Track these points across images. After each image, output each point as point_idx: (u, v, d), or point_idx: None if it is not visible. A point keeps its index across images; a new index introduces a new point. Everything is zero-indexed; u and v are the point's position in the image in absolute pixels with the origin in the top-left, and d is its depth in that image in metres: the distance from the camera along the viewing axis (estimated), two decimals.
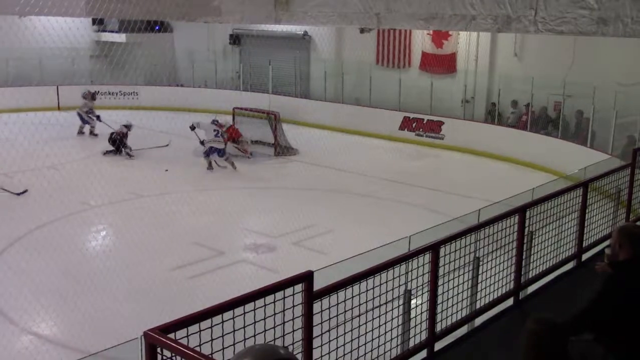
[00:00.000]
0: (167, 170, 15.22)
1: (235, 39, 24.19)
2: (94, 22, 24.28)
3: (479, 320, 6.02)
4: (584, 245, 7.37)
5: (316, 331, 4.39)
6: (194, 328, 3.62)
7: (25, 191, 13.14)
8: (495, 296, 6.19)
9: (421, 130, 19.33)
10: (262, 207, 13.19)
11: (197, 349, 3.52)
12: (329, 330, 4.55)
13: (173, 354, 3.26)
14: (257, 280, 7.09)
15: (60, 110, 22.54)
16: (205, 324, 3.70)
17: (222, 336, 3.82)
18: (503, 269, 6.32)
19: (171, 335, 3.45)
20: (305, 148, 17.31)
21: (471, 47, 19.13)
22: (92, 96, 19.70)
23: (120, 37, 24.09)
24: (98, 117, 18.97)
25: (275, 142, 17.50)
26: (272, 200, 13.46)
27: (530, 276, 6.62)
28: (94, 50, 24.69)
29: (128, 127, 17.04)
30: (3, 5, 14.48)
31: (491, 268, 6.16)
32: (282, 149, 17.37)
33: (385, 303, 5.08)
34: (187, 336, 3.58)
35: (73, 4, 14.22)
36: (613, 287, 4.10)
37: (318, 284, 4.34)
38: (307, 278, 4.24)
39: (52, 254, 10.10)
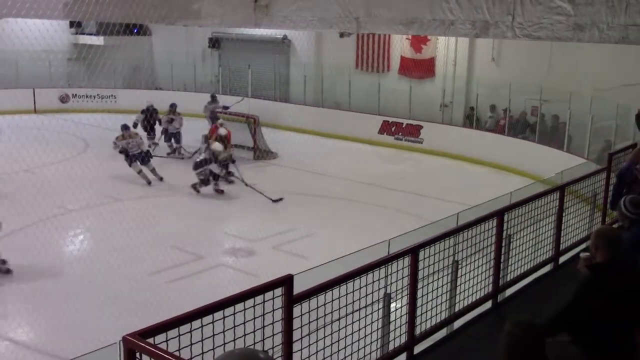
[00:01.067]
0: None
1: (215, 43, 24.13)
2: (71, 24, 24.05)
3: (458, 323, 6.05)
4: (561, 248, 7.45)
5: (296, 335, 4.38)
6: (173, 332, 3.60)
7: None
8: (474, 299, 6.24)
9: (400, 134, 19.42)
10: (242, 211, 13.17)
11: (177, 353, 3.51)
12: (308, 334, 4.55)
13: (152, 359, 3.25)
14: (236, 284, 7.08)
15: (37, 114, 22.35)
16: (185, 328, 3.68)
17: (202, 340, 3.80)
18: (482, 272, 6.37)
19: (150, 340, 3.43)
20: (284, 152, 17.31)
21: (450, 52, 19.28)
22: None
23: (99, 40, 23.88)
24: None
25: (254, 145, 17.47)
26: (251, 204, 13.43)
27: (508, 279, 6.67)
28: (71, 53, 24.44)
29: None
30: None
31: (470, 271, 6.21)
32: (261, 153, 17.36)
33: (365, 306, 5.09)
34: (167, 341, 3.56)
35: (51, 7, 14.08)
36: (590, 289, 4.15)
37: (298, 288, 4.34)
38: (286, 282, 4.23)
39: (29, 259, 9.98)
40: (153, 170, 14.79)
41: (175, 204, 13.46)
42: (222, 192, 14.14)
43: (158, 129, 17.55)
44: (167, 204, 13.50)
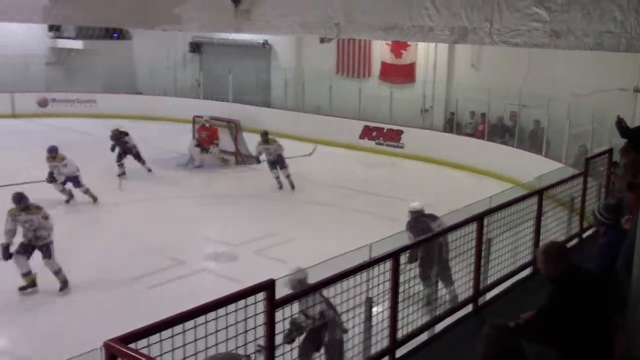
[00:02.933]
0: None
1: (195, 47, 24.07)
2: (50, 28, 23.85)
3: (439, 327, 6.10)
4: None
5: (278, 340, 4.40)
6: (155, 338, 3.60)
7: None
8: (455, 303, 6.29)
9: (381, 139, 19.50)
10: (223, 216, 13.15)
11: (159, 359, 3.51)
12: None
13: None
14: (218, 290, 7.06)
15: (16, 118, 22.14)
16: (167, 333, 3.68)
17: (184, 345, 3.81)
18: (462, 276, 6.43)
19: (132, 346, 3.43)
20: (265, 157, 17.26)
21: (430, 57, 19.41)
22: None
23: (78, 44, 23.74)
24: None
25: (235, 150, 17.45)
26: (232, 209, 13.42)
27: (488, 282, 6.74)
28: (49, 56, 24.25)
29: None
30: None
31: (451, 275, 6.26)
32: (242, 158, 17.33)
33: (347, 311, 5.13)
34: (148, 346, 3.56)
35: (29, 10, 13.99)
36: (557, 299, 4.33)
37: (279, 293, 4.36)
38: (268, 286, 4.26)
39: (5, 267, 9.90)
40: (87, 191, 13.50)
41: (155, 209, 13.40)
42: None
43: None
44: (145, 209, 13.43)
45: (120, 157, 15.55)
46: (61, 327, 8.18)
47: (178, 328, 3.73)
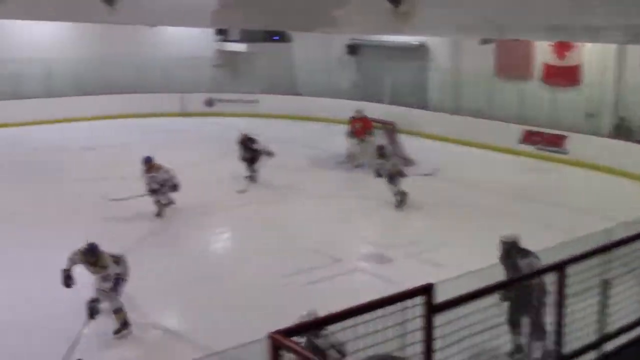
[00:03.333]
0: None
1: (352, 49, 24.36)
2: (217, 32, 25.22)
3: (609, 346, 5.70)
4: None
5: (436, 345, 4.33)
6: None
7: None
8: (626, 322, 5.84)
9: (542, 144, 18.65)
10: (379, 216, 13.20)
11: None
12: (448, 346, 4.48)
13: (296, 358, 3.34)
14: (373, 290, 7.09)
15: (185, 116, 23.65)
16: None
17: (352, 340, 3.86)
18: (633, 294, 5.98)
19: (293, 339, 3.52)
20: (421, 159, 17.14)
21: (596, 58, 18.27)
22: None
23: (241, 47, 24.87)
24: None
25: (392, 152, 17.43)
26: (387, 211, 13.40)
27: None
28: (216, 59, 25.63)
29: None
30: (136, 16, 15.41)
31: (621, 292, 5.83)
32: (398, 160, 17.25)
33: (508, 321, 4.95)
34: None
35: (200, 15, 14.91)
36: None
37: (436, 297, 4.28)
38: (427, 290, 4.20)
39: (179, 254, 10.66)
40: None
41: (313, 208, 13.73)
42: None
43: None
44: (305, 207, 13.80)
45: (250, 162, 14.82)
46: (226, 315, 8.58)
47: (335, 326, 3.77)
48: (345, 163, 17.10)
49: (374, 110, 19.13)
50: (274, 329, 3.47)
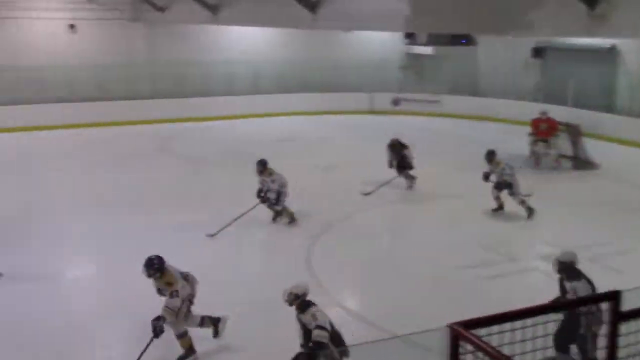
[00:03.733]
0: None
1: (538, 52, 23.11)
2: (406, 36, 25.24)
3: None
4: None
5: (621, 353, 3.98)
6: (494, 329, 3.52)
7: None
8: None
9: None
10: (559, 218, 12.41)
11: (505, 347, 3.44)
12: (633, 355, 4.11)
13: (475, 350, 3.23)
14: (549, 290, 6.69)
15: (373, 114, 24.00)
16: (506, 326, 3.56)
17: (523, 341, 3.67)
18: None
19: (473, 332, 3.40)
20: (606, 163, 15.88)
21: None
22: None
23: (428, 50, 24.65)
24: None
25: (573, 154, 16.34)
26: (566, 214, 12.59)
27: None
28: (403, 61, 25.68)
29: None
30: (335, 22, 15.83)
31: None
32: (581, 163, 16.13)
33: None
34: (488, 335, 3.49)
35: (392, 20, 14.94)
36: None
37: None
38: (614, 297, 3.87)
39: (360, 242, 10.84)
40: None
41: (488, 205, 13.27)
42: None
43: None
44: (477, 203, 13.35)
45: (400, 169, 13.67)
46: (406, 301, 8.57)
47: (518, 323, 3.59)
48: (529, 163, 16.26)
49: (557, 112, 18.01)
50: (450, 320, 3.38)
